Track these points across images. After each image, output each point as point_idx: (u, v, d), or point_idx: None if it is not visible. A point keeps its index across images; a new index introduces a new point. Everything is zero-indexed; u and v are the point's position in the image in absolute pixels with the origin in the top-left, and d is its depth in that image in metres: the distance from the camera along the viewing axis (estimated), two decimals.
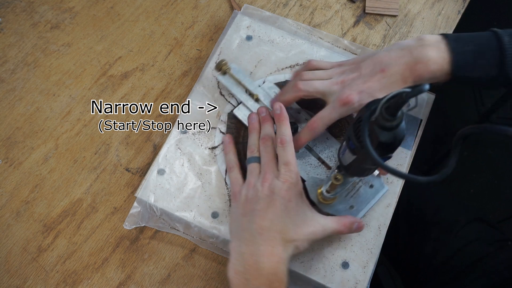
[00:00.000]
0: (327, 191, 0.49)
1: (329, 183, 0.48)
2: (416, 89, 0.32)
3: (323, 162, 0.55)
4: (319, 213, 0.49)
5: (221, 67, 0.57)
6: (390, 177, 0.55)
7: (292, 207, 0.46)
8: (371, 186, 0.53)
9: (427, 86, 0.32)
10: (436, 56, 0.47)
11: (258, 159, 0.51)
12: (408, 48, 0.48)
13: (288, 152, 0.48)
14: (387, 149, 0.38)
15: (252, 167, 0.51)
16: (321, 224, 0.47)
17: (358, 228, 0.49)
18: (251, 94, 0.57)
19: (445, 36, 0.48)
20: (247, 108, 0.57)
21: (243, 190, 0.49)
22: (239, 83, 0.58)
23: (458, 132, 0.33)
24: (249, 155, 0.52)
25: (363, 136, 0.36)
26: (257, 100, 0.57)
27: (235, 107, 0.58)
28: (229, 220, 0.51)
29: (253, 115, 0.55)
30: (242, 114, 0.57)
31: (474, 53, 0.47)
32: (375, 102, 0.37)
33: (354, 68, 0.51)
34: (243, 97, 0.57)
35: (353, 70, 0.50)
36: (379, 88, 0.48)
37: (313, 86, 0.51)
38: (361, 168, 0.43)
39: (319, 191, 0.51)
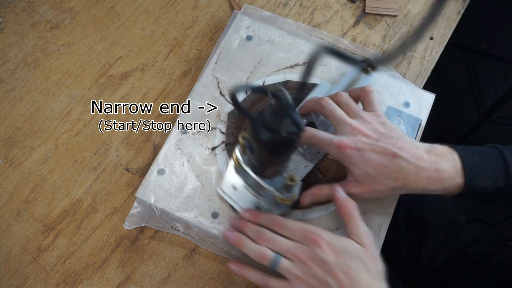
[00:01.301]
0: (239, 151, 0.49)
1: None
2: (297, 117, 0.34)
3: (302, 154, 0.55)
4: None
5: (366, 66, 0.54)
6: None
7: (347, 254, 0.44)
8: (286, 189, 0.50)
9: (304, 122, 0.33)
10: (450, 169, 0.47)
11: (279, 257, 0.46)
12: (427, 159, 0.48)
13: (287, 223, 0.47)
14: (267, 148, 0.38)
15: (283, 265, 0.45)
16: (365, 233, 0.46)
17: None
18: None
19: (453, 147, 0.49)
20: (323, 91, 0.58)
21: (300, 286, 0.44)
22: (348, 84, 0.58)
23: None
24: (265, 262, 0.46)
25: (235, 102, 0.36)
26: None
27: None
28: None
29: (228, 234, 0.49)
30: (319, 91, 0.58)
31: (481, 163, 0.48)
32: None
33: (376, 131, 0.49)
34: (334, 89, 0.57)
35: (375, 131, 0.49)
36: (373, 166, 0.47)
37: (334, 110, 0.50)
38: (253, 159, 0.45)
39: (234, 155, 0.50)
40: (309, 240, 0.44)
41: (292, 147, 0.40)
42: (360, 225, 0.46)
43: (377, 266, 0.44)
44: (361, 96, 0.53)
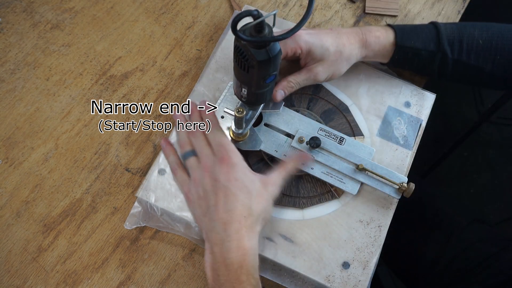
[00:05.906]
0: (237, 128, 0.51)
1: (235, 119, 0.50)
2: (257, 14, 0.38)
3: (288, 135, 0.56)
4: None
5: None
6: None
7: (241, 184, 0.47)
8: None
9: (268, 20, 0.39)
10: (382, 31, 0.55)
11: (193, 152, 0.52)
12: (359, 28, 0.56)
13: (217, 133, 0.51)
14: (266, 67, 0.42)
15: (190, 162, 0.51)
16: (272, 182, 0.49)
17: (307, 159, 0.53)
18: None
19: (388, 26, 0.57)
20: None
21: (192, 189, 0.50)
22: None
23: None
24: (182, 152, 0.53)
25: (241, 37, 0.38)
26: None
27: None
28: (196, 221, 0.51)
29: (177, 116, 0.56)
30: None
31: (413, 28, 0.56)
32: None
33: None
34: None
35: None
36: (325, 39, 0.53)
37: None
38: (253, 94, 0.47)
39: (231, 132, 0.53)
40: (220, 156, 0.48)
41: (278, 58, 0.43)
42: (278, 175, 0.49)
43: (260, 209, 0.47)
44: None
